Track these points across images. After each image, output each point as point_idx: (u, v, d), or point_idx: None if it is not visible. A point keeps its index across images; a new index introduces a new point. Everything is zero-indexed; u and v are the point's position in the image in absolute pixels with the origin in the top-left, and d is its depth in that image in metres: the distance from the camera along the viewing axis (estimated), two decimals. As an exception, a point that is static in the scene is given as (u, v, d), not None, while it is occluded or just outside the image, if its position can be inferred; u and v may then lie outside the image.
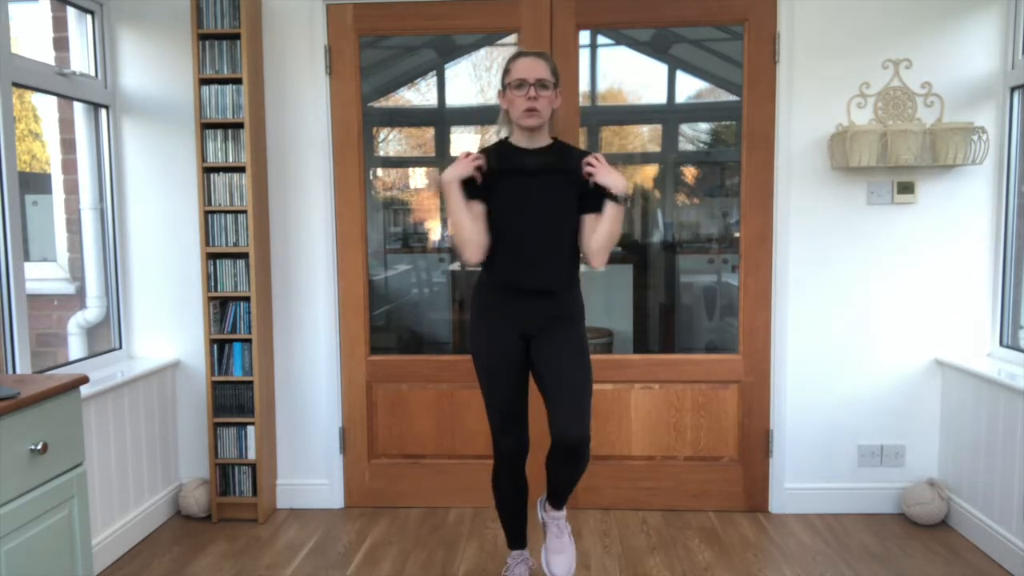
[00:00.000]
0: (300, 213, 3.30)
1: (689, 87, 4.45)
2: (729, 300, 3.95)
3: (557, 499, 2.50)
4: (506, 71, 2.34)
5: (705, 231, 4.40)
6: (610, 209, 2.31)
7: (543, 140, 2.38)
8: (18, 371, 2.62)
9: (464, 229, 2.32)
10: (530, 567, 2.64)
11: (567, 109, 3.19)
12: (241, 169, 3.14)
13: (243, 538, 3.10)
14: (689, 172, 4.63)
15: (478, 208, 2.35)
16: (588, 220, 2.36)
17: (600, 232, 2.33)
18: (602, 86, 4.09)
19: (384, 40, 3.66)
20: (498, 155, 2.37)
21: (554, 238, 2.35)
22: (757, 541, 3.04)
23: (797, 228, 3.19)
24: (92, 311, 3.40)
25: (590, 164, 2.31)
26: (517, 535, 2.62)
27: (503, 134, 2.44)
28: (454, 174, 2.30)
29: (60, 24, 3.41)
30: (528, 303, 2.36)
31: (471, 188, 2.33)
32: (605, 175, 2.29)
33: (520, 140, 2.37)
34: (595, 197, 2.34)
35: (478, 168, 2.32)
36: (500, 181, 2.35)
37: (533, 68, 2.28)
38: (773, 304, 3.25)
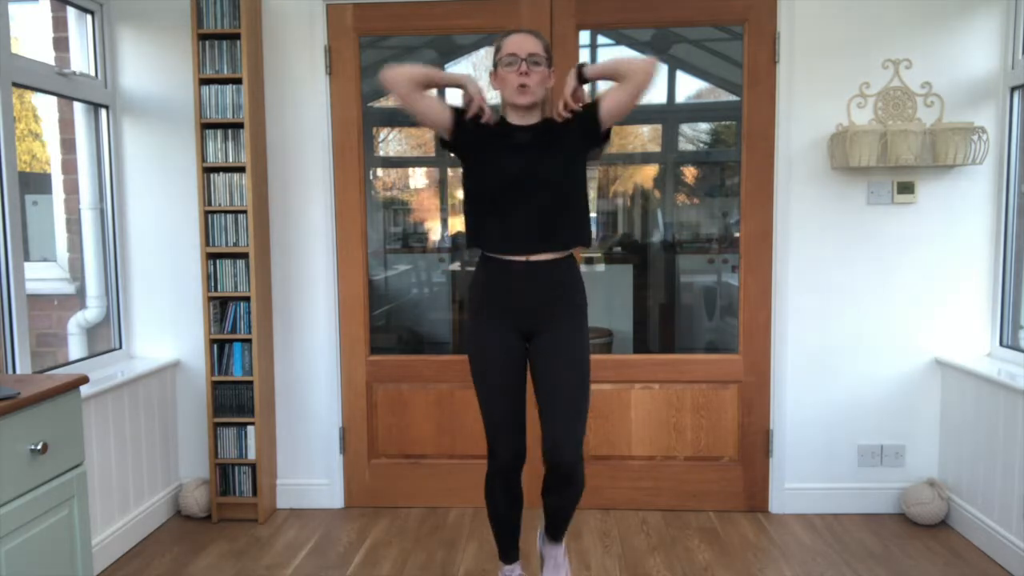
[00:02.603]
0: (300, 213, 3.30)
1: (689, 87, 4.45)
2: (729, 300, 3.95)
3: (554, 530, 2.47)
4: (497, 49, 2.27)
5: (705, 231, 4.41)
6: (613, 79, 2.26)
7: (536, 119, 2.31)
8: (18, 371, 2.62)
9: (413, 72, 2.24)
10: None
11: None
12: (241, 169, 3.14)
13: (243, 538, 3.10)
14: (689, 172, 4.64)
15: (436, 99, 2.32)
16: (606, 98, 2.29)
17: (616, 88, 2.26)
18: (602, 86, 4.08)
19: (384, 40, 3.66)
20: (494, 124, 2.32)
21: (550, 200, 2.24)
22: (757, 541, 3.04)
23: (797, 228, 3.19)
24: (92, 311, 3.40)
25: (565, 109, 2.26)
26: (509, 548, 2.53)
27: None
28: (469, 82, 2.30)
29: (60, 24, 3.41)
30: (524, 280, 2.25)
31: (458, 111, 2.30)
32: (568, 89, 2.26)
33: (513, 118, 2.31)
34: (587, 116, 2.28)
35: (478, 113, 2.27)
36: (490, 145, 2.28)
37: (524, 43, 2.22)
38: (773, 304, 3.25)
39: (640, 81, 2.21)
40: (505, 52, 2.23)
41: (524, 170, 2.24)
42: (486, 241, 2.31)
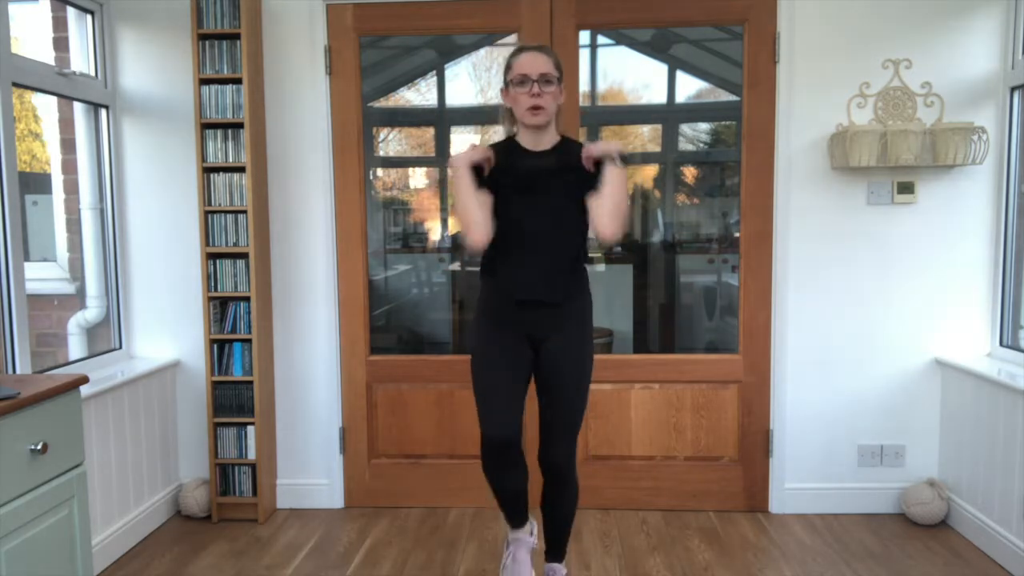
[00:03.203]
0: (300, 213, 3.30)
1: (689, 87, 4.45)
2: (729, 300, 3.95)
3: (556, 547, 2.51)
4: (508, 67, 2.27)
5: (705, 231, 4.41)
6: (609, 174, 2.20)
7: (550, 139, 2.31)
8: (18, 371, 2.62)
9: (471, 211, 2.22)
10: (533, 548, 2.54)
11: (567, 109, 3.18)
12: (241, 169, 3.14)
13: (243, 538, 3.10)
14: (689, 172, 4.64)
15: (485, 197, 2.27)
16: (593, 197, 2.27)
17: (602, 198, 2.19)
18: (602, 86, 4.09)
19: (384, 40, 3.66)
20: (505, 153, 2.31)
21: (560, 246, 2.30)
22: (757, 541, 3.04)
23: (797, 228, 3.19)
24: (92, 311, 3.40)
25: (587, 153, 2.23)
26: (515, 514, 2.50)
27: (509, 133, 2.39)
28: (466, 159, 2.24)
29: (60, 24, 3.41)
30: (533, 313, 2.31)
31: (479, 177, 2.28)
32: (599, 149, 2.21)
33: (526, 140, 2.31)
34: (597, 177, 2.27)
35: (487, 160, 2.26)
36: (504, 184, 2.28)
37: (535, 63, 2.22)
38: (773, 304, 3.25)
39: (602, 218, 2.22)
40: (516, 73, 2.23)
41: (529, 212, 2.27)
42: (499, 277, 2.33)
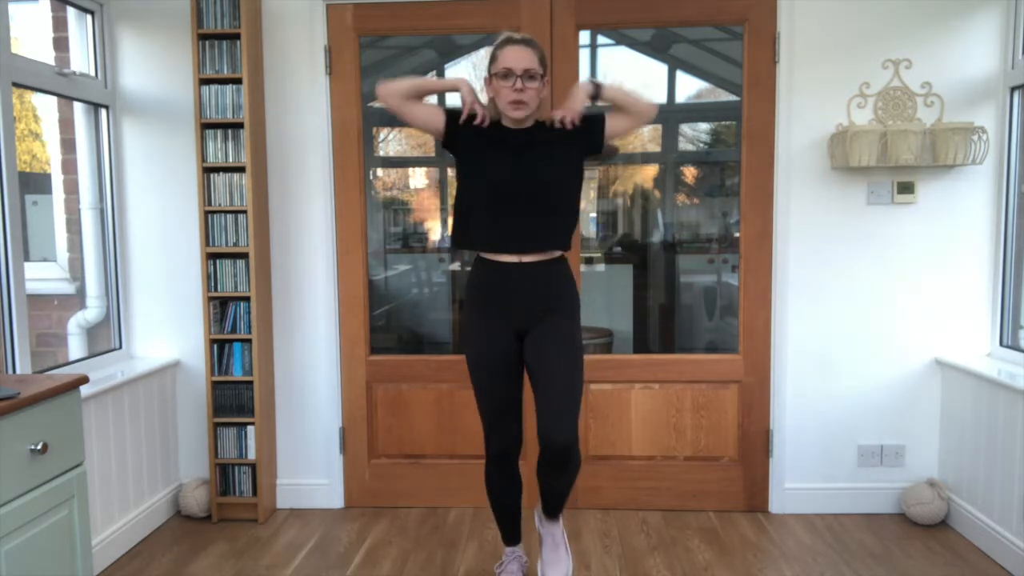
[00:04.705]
0: (300, 213, 3.30)
1: (689, 87, 4.45)
2: (729, 300, 3.95)
3: (550, 508, 2.52)
4: (493, 58, 2.31)
5: (705, 231, 4.41)
6: (608, 98, 2.32)
7: (529, 123, 2.38)
8: (18, 371, 2.62)
9: (402, 86, 2.32)
10: (523, 565, 2.64)
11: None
12: (241, 169, 3.14)
13: (243, 538, 3.10)
14: (689, 172, 4.64)
15: (428, 106, 2.38)
16: (609, 122, 2.39)
17: (619, 108, 2.34)
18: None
19: (384, 40, 3.66)
20: (492, 127, 2.37)
21: (537, 203, 2.31)
22: (757, 541, 3.04)
23: (797, 228, 3.19)
24: (92, 311, 3.40)
25: (562, 119, 2.31)
26: (511, 532, 2.63)
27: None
28: (463, 85, 2.33)
29: (60, 24, 3.41)
30: (517, 281, 2.33)
31: (456, 122, 2.34)
32: (570, 105, 2.30)
33: (507, 121, 2.37)
34: (590, 130, 2.36)
35: (472, 116, 2.33)
36: (483, 147, 2.34)
37: (520, 58, 2.25)
38: (773, 304, 3.25)
39: (642, 120, 2.41)
40: (501, 66, 2.27)
41: (515, 173, 2.31)
42: (476, 241, 2.38)
